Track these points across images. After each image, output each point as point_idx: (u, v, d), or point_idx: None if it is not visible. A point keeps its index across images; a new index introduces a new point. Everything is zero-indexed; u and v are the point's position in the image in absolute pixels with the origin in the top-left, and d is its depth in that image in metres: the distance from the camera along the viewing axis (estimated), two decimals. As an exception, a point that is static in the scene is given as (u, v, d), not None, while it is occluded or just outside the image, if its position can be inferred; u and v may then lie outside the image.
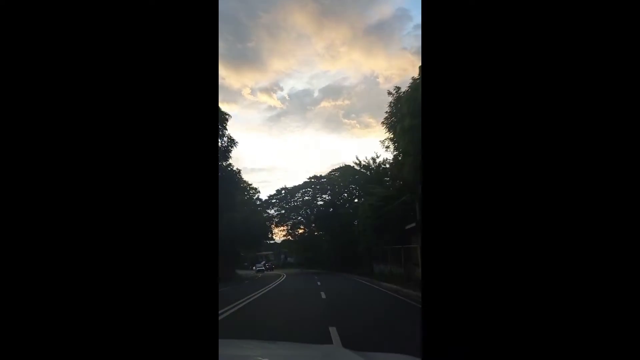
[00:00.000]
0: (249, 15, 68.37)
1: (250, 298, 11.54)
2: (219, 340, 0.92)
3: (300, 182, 38.95)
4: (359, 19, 63.86)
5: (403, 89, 13.21)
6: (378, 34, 66.72)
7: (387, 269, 18.86)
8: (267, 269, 40.53)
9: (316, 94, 77.76)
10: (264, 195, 41.49)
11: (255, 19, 67.00)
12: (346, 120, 74.11)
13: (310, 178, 38.12)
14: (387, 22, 64.07)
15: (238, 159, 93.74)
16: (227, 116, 22.37)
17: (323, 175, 37.44)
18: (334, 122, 75.50)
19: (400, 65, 60.27)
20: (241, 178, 26.28)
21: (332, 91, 73.51)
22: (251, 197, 36.50)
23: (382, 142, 16.24)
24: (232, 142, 22.43)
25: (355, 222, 26.40)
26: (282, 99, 76.21)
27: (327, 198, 36.61)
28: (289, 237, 42.30)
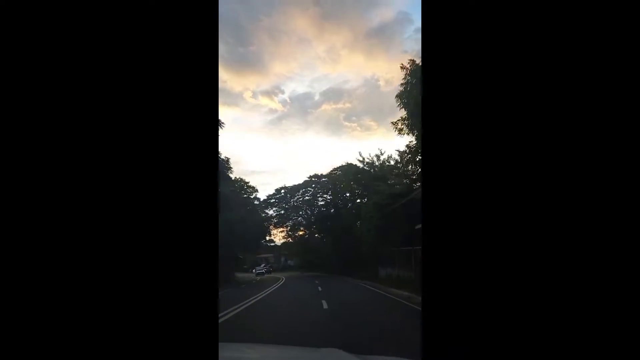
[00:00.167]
0: (250, 19, 67.18)
1: (240, 306, 10.03)
2: (219, 343, 0.92)
3: (301, 182, 37.61)
4: (360, 23, 62.34)
5: (418, 61, 12.27)
6: (379, 37, 65.05)
7: (394, 273, 17.52)
8: (266, 272, 39.52)
9: (317, 97, 76.27)
10: (264, 196, 40.13)
11: (256, 22, 65.82)
12: (347, 123, 72.56)
13: (310, 177, 36.66)
14: (388, 25, 62.19)
15: (239, 161, 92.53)
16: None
17: (324, 174, 36.02)
18: (334, 125, 74.10)
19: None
20: (232, 170, 25.25)
21: (333, 94, 71.98)
22: (248, 197, 35.00)
23: (394, 123, 15.15)
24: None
25: (358, 224, 25.48)
26: (284, 102, 74.51)
27: (328, 198, 35.15)
28: (289, 239, 41.33)
